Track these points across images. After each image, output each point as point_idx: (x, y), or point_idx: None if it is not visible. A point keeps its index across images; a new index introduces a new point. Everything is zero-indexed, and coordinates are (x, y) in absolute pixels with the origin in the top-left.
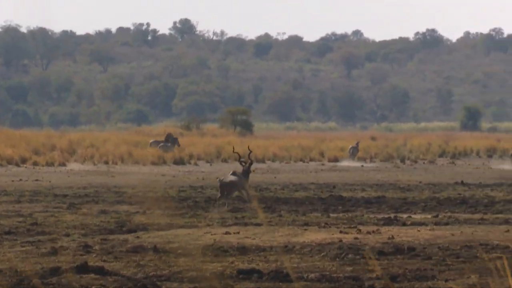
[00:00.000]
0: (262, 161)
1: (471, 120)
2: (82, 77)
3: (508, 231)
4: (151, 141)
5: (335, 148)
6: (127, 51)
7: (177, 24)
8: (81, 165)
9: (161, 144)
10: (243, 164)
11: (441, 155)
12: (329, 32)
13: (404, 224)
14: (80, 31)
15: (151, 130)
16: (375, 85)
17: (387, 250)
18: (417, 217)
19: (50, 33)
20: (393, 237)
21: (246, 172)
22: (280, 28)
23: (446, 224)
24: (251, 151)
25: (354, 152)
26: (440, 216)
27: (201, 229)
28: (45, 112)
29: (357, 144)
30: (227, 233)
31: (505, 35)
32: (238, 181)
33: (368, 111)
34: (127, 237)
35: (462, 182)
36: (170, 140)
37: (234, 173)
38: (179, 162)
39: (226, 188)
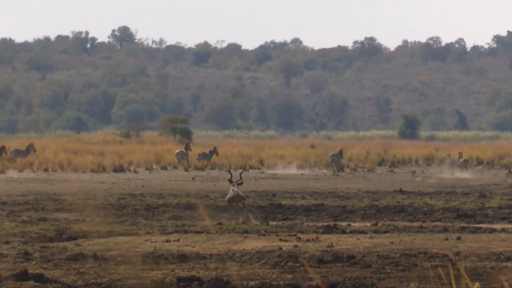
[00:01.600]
0: (201, 169)
1: (409, 129)
2: (21, 84)
3: (446, 239)
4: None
5: (275, 156)
6: (66, 59)
7: (116, 32)
8: (20, 173)
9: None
10: (233, 182)
11: (380, 164)
12: (268, 40)
13: (343, 232)
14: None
15: (91, 138)
16: (314, 93)
17: (327, 258)
18: (357, 225)
19: None
20: (332, 245)
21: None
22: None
23: (385, 232)
24: (243, 170)
25: (335, 160)
26: (379, 224)
27: (141, 236)
28: None
29: (340, 151)
30: (167, 240)
31: (443, 44)
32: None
33: (307, 119)
34: (67, 244)
35: (401, 190)
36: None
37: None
38: (118, 169)
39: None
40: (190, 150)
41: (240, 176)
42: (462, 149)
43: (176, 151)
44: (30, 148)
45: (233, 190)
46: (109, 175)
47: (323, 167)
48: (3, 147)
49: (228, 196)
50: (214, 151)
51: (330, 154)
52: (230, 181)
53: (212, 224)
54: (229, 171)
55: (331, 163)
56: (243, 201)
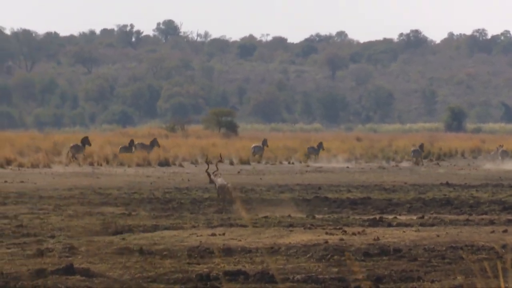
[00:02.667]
0: (247, 162)
1: (456, 121)
2: (66, 78)
3: (493, 232)
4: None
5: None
6: (111, 53)
7: (161, 25)
8: (66, 167)
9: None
10: (209, 174)
11: (426, 156)
12: (314, 33)
13: (389, 225)
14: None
15: (136, 132)
16: (359, 86)
17: (373, 251)
18: (403, 218)
19: (34, 34)
20: (378, 238)
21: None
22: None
23: (432, 225)
24: (219, 160)
25: (416, 154)
26: (425, 217)
27: (186, 230)
28: (29, 114)
29: (421, 146)
30: (213, 234)
31: (488, 36)
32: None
33: (353, 112)
34: (112, 238)
35: (447, 183)
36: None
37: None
38: (164, 163)
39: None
40: (267, 146)
41: (216, 166)
42: (507, 141)
43: (253, 145)
44: (154, 143)
45: (218, 179)
46: (154, 169)
47: (369, 160)
48: (132, 141)
49: (221, 185)
50: (264, 143)
51: (412, 149)
52: (207, 172)
53: (258, 218)
54: (206, 162)
55: (412, 157)
56: (231, 192)
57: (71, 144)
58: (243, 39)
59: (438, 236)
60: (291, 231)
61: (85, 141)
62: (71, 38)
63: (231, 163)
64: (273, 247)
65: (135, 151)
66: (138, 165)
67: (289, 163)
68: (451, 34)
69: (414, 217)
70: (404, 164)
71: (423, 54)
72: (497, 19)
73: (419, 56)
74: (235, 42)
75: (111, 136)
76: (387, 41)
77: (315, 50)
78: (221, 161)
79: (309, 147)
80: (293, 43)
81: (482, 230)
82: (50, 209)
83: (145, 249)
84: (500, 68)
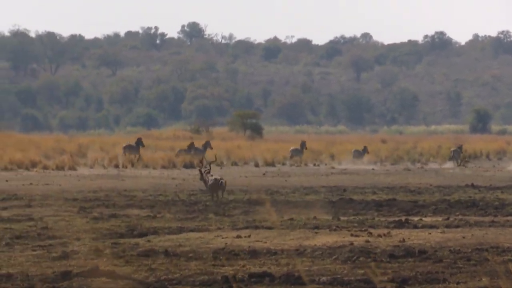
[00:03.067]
0: (273, 164)
1: (481, 123)
2: (91, 81)
3: None
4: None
5: (345, 151)
6: (135, 55)
7: (186, 28)
8: (91, 169)
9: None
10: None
11: (451, 158)
12: (338, 35)
13: (415, 227)
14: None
15: (161, 134)
16: (384, 88)
17: (398, 253)
18: (428, 220)
19: (58, 37)
20: (404, 240)
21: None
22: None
23: (457, 226)
24: (213, 161)
25: (455, 155)
26: (451, 219)
27: (212, 232)
28: (54, 116)
29: (460, 147)
30: (238, 236)
31: None
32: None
33: (378, 114)
34: (138, 241)
35: (472, 184)
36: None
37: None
38: (189, 165)
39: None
40: (306, 148)
41: (210, 166)
42: None
43: (291, 148)
44: (207, 145)
45: (211, 176)
46: (179, 171)
47: (394, 162)
48: (192, 143)
49: (212, 182)
50: (303, 145)
51: (451, 149)
52: (200, 170)
53: (283, 220)
54: (201, 161)
55: (452, 158)
56: (223, 187)
57: (124, 144)
58: (267, 41)
59: (463, 237)
60: (316, 233)
61: (139, 142)
62: (95, 40)
63: (256, 165)
64: (299, 249)
65: (193, 154)
66: (163, 167)
67: (314, 165)
68: (476, 36)
69: (440, 219)
70: (430, 165)
71: (448, 56)
72: None
73: (444, 58)
74: (259, 44)
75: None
76: (412, 43)
77: (339, 52)
78: (214, 161)
79: (292, 148)
80: (317, 45)
81: (507, 231)
82: (75, 211)
83: (170, 251)
84: None
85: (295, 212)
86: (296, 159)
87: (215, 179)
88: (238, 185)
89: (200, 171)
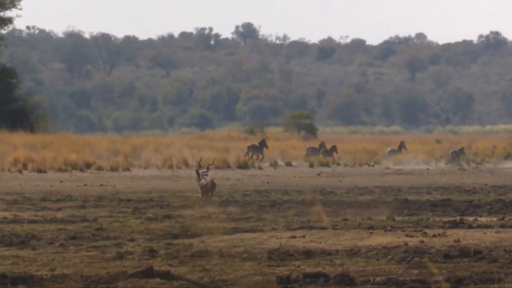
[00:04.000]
0: (327, 165)
1: None
2: (145, 82)
3: None
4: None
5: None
6: (189, 56)
7: (240, 28)
8: (145, 170)
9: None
10: (199, 174)
11: (506, 158)
12: (393, 35)
13: (470, 227)
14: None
15: (215, 135)
16: (439, 88)
17: (453, 253)
18: (483, 219)
19: (112, 38)
20: (459, 240)
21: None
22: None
23: None
24: (211, 164)
25: (454, 156)
26: (506, 219)
27: (266, 233)
28: (108, 117)
29: (461, 149)
30: (292, 237)
31: None
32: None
33: (432, 114)
34: (192, 241)
35: None
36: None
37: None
38: (243, 166)
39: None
40: (405, 148)
41: (207, 168)
42: None
43: (388, 149)
44: (263, 144)
45: (205, 178)
46: (234, 172)
47: (448, 161)
48: (322, 143)
49: (203, 183)
50: (402, 145)
51: (451, 151)
52: (197, 172)
53: (338, 220)
54: (199, 163)
55: (452, 158)
56: (214, 188)
57: (249, 144)
58: (322, 41)
59: None
60: (371, 233)
61: (263, 143)
62: (149, 41)
63: (311, 166)
64: (353, 249)
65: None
66: (217, 167)
67: (368, 165)
68: None
69: (495, 219)
70: (485, 165)
71: (503, 56)
72: None
73: (498, 57)
74: (314, 44)
75: (190, 140)
76: (466, 43)
77: (394, 52)
78: (212, 164)
79: (389, 149)
80: (372, 45)
81: None
82: (129, 212)
83: (224, 252)
84: None
85: (350, 212)
86: (394, 158)
87: (207, 181)
88: (293, 185)
89: (197, 172)
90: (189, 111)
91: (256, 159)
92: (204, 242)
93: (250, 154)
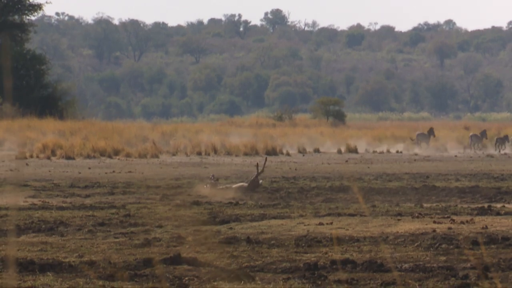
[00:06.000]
0: (355, 151)
1: None
2: (174, 68)
3: None
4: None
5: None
6: (218, 42)
7: (269, 15)
8: (174, 157)
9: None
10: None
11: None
12: (422, 21)
13: (498, 214)
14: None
15: (243, 121)
16: (468, 74)
17: (481, 240)
18: (511, 206)
19: (142, 24)
20: (487, 227)
21: (253, 181)
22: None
23: None
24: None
25: (474, 140)
26: None
27: (294, 219)
28: (137, 104)
29: (483, 132)
30: (320, 223)
31: None
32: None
33: (461, 101)
34: (220, 228)
35: None
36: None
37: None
38: (271, 152)
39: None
40: (487, 138)
41: (264, 164)
42: None
43: (417, 133)
44: (431, 132)
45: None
46: (262, 158)
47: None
48: (431, 129)
49: (251, 179)
50: (431, 132)
51: (470, 134)
52: (257, 167)
53: (366, 207)
54: (256, 166)
55: (471, 144)
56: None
57: (418, 132)
58: (351, 28)
59: None
60: (399, 220)
61: (431, 131)
62: (179, 28)
63: (339, 152)
64: (381, 236)
65: (416, 142)
66: (245, 154)
67: (397, 152)
68: None
69: None
70: None
71: None
72: None
73: None
74: (343, 31)
75: (219, 126)
76: (495, 30)
77: (423, 39)
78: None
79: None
80: (401, 32)
81: None
82: (158, 198)
83: (252, 238)
84: None
85: (378, 199)
86: (423, 145)
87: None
88: (321, 172)
89: (257, 167)
90: (218, 98)
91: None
92: (232, 229)
93: (419, 142)
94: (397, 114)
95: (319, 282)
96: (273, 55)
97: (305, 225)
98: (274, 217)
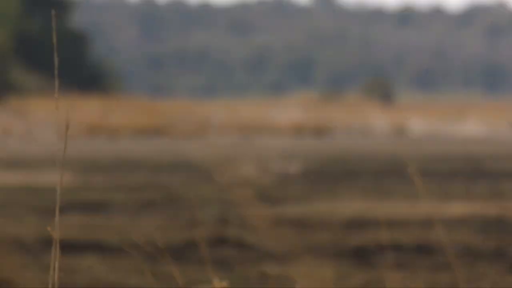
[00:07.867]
0: (406, 132)
1: None
2: (220, 47)
3: None
4: None
5: None
6: (265, 22)
7: None
8: (219, 136)
9: None
10: None
11: None
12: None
13: None
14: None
15: (291, 101)
16: None
17: None
18: None
19: (187, 3)
20: None
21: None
22: None
23: None
24: None
25: None
26: None
27: (342, 202)
28: (182, 83)
29: None
30: (369, 206)
31: None
32: None
33: None
34: (267, 209)
35: None
36: None
37: None
38: (319, 133)
39: None
40: None
41: None
42: None
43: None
44: None
45: None
46: (310, 139)
47: None
48: None
49: None
50: None
51: None
52: None
53: (416, 189)
54: None
55: None
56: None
57: None
58: (400, 8)
59: None
60: (449, 203)
61: None
62: (225, 7)
63: (390, 133)
64: (430, 219)
65: None
66: (292, 134)
67: (448, 133)
68: None
69: None
70: None
71: None
72: None
73: None
74: (392, 10)
75: (266, 105)
76: None
77: (474, 19)
78: None
79: None
80: (451, 13)
81: None
82: (203, 179)
83: (299, 221)
84: None
85: (428, 181)
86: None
87: None
88: (370, 153)
89: None
90: (265, 77)
91: None
92: (279, 211)
93: None
94: (448, 95)
95: (367, 266)
96: (321, 34)
97: (353, 208)
98: (322, 200)
